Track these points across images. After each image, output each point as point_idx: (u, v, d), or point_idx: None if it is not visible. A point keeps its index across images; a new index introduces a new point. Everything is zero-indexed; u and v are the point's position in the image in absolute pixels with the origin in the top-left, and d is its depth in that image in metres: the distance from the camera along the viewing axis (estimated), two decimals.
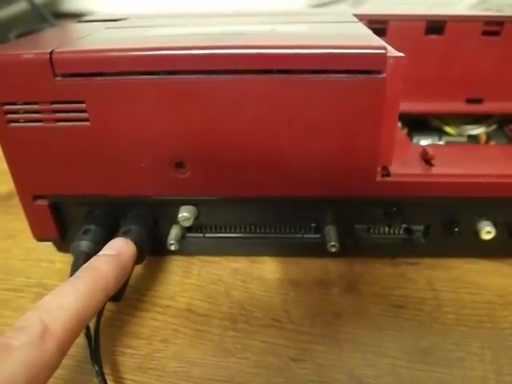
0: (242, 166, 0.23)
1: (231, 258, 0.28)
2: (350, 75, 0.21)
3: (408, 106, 0.33)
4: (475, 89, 0.33)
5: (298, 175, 0.23)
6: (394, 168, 0.24)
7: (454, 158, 0.25)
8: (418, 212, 0.26)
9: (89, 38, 0.25)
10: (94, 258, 0.21)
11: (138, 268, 0.27)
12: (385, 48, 0.20)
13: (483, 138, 0.35)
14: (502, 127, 0.35)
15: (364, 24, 0.30)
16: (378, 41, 0.21)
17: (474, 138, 0.35)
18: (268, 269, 0.28)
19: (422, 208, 0.25)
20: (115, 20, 0.31)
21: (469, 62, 0.32)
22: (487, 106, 0.34)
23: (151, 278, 0.27)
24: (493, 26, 0.31)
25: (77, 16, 0.42)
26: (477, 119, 0.36)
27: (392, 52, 0.21)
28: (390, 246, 0.27)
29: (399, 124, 0.35)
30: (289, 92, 0.21)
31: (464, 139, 0.35)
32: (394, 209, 0.25)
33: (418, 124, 0.35)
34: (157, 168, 0.23)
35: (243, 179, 0.24)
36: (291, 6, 0.63)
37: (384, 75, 0.21)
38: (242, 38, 0.23)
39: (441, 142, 0.35)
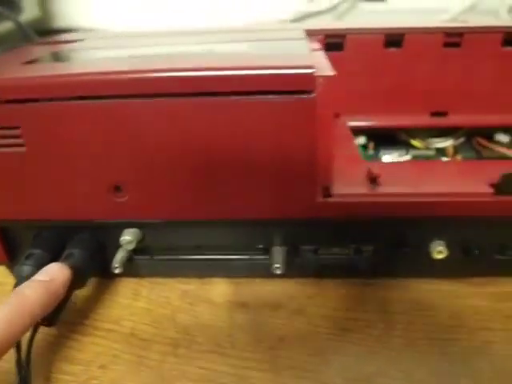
0: (179, 190, 0.23)
1: (182, 279, 0.28)
2: (279, 96, 0.20)
3: (371, 121, 0.33)
4: (439, 102, 0.33)
5: (235, 198, 0.23)
6: (337, 188, 0.23)
7: (401, 177, 0.25)
8: (366, 232, 0.25)
9: (31, 64, 0.25)
10: (23, 284, 0.21)
11: (86, 291, 0.27)
12: (313, 67, 0.20)
13: (450, 151, 0.34)
14: (470, 140, 0.34)
15: (320, 39, 0.30)
16: (309, 60, 0.21)
17: (441, 151, 0.34)
18: (217, 291, 0.27)
19: (370, 228, 0.25)
20: (71, 41, 0.31)
21: (430, 74, 0.32)
22: (452, 119, 0.33)
23: (98, 300, 0.27)
24: (453, 38, 0.30)
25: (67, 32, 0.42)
26: (444, 132, 0.35)
27: (322, 70, 0.21)
28: (341, 267, 0.26)
29: (363, 139, 0.34)
30: (219, 114, 0.21)
31: (431, 152, 0.35)
32: (340, 229, 0.24)
33: (385, 138, 0.35)
34: (95, 192, 0.23)
35: (181, 202, 0.23)
36: (274, 19, 0.62)
37: (314, 95, 0.20)
38: (173, 60, 0.23)
39: (408, 156, 0.34)
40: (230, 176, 0.22)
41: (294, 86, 0.20)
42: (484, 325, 0.25)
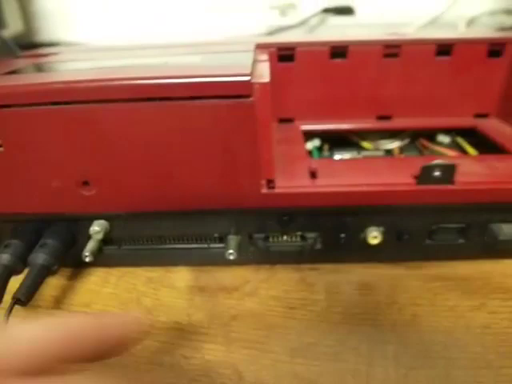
0: (139, 184, 0.26)
1: (148, 268, 0.31)
2: (222, 100, 0.24)
3: (323, 125, 0.36)
4: (383, 106, 0.36)
5: (190, 191, 0.26)
6: (281, 181, 0.27)
7: (338, 171, 0.28)
8: (309, 220, 0.28)
9: (11, 74, 0.28)
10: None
11: (61, 279, 0.30)
12: (250, 75, 0.23)
13: (397, 152, 0.37)
14: (414, 141, 0.38)
15: (273, 51, 0.34)
16: (248, 69, 0.24)
17: (389, 152, 0.38)
18: (179, 277, 0.30)
19: (312, 217, 0.28)
20: (48, 55, 0.35)
21: (373, 82, 0.35)
22: (396, 122, 0.36)
23: (71, 287, 0.30)
24: (392, 49, 0.34)
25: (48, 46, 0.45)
26: (392, 134, 0.38)
27: (259, 78, 0.24)
28: (290, 253, 0.29)
29: (317, 141, 0.38)
30: (172, 117, 0.24)
31: (381, 153, 0.38)
32: (286, 218, 0.28)
33: (338, 140, 0.38)
34: (66, 187, 0.26)
35: (142, 196, 0.26)
36: (247, 32, 0.66)
37: (252, 99, 0.23)
38: (132, 70, 0.26)
39: (359, 157, 0.38)
40: (184, 171, 0.25)
41: (234, 91, 0.23)
42: (414, 301, 0.28)
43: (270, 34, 0.69)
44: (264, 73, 0.25)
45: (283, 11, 0.71)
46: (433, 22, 0.69)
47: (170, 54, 0.30)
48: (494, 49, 0.34)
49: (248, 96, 0.23)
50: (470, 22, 0.68)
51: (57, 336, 0.17)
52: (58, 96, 0.24)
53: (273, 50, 0.34)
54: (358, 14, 0.70)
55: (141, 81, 0.23)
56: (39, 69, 0.30)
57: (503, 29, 0.63)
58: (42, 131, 0.25)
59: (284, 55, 0.34)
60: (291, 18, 0.70)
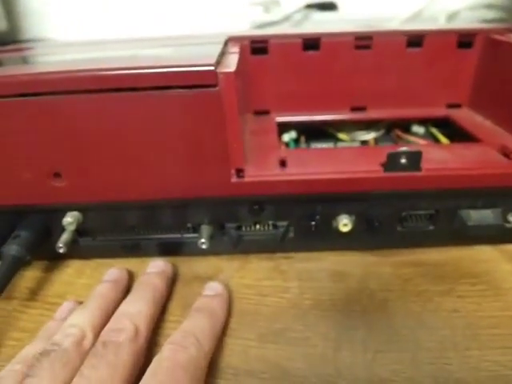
0: (110, 174, 0.26)
1: (124, 259, 0.31)
2: (189, 90, 0.24)
3: (300, 117, 0.36)
4: (357, 98, 0.37)
5: (160, 180, 0.26)
6: (250, 170, 0.27)
7: (308, 160, 0.28)
8: (280, 209, 0.28)
9: None
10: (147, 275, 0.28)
11: (37, 271, 0.30)
12: (214, 65, 0.23)
13: (372, 143, 0.38)
14: (390, 132, 0.38)
15: (246, 44, 0.34)
16: (213, 59, 0.24)
17: (365, 143, 0.38)
18: None
19: (282, 205, 0.28)
20: (23, 49, 0.35)
21: (346, 74, 0.35)
22: (370, 113, 0.37)
23: (47, 279, 0.30)
24: (363, 41, 0.34)
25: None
26: (368, 125, 0.39)
27: (225, 68, 0.24)
28: (263, 242, 0.30)
29: (294, 133, 0.38)
30: (140, 107, 0.24)
31: (357, 144, 0.38)
32: (256, 207, 0.28)
33: (315, 132, 0.39)
34: (37, 179, 0.26)
35: (113, 186, 0.27)
36: (234, 27, 0.66)
37: (217, 88, 0.24)
38: (99, 61, 0.26)
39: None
40: (153, 161, 0.26)
41: (199, 81, 0.23)
42: (384, 287, 0.28)
43: (255, 27, 0.69)
44: (231, 63, 0.26)
45: (267, 7, 0.71)
46: (415, 17, 0.69)
47: (141, 47, 0.30)
48: (464, 40, 0.35)
49: (213, 86, 0.24)
50: (451, 17, 0.68)
51: (150, 303, 0.25)
52: (26, 88, 0.24)
53: (246, 42, 0.34)
54: (341, 9, 0.71)
55: (107, 72, 0.24)
56: (11, 62, 0.30)
57: (486, 22, 0.64)
58: (11, 123, 0.25)
59: (257, 48, 0.34)
60: (275, 14, 0.71)
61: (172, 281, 0.29)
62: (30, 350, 0.23)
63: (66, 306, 0.26)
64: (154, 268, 0.28)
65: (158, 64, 0.24)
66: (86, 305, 0.25)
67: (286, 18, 0.70)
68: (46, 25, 0.70)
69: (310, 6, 0.69)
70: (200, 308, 0.25)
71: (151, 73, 0.24)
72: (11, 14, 0.70)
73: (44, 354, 0.21)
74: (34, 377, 0.20)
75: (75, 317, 0.24)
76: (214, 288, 0.27)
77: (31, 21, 0.70)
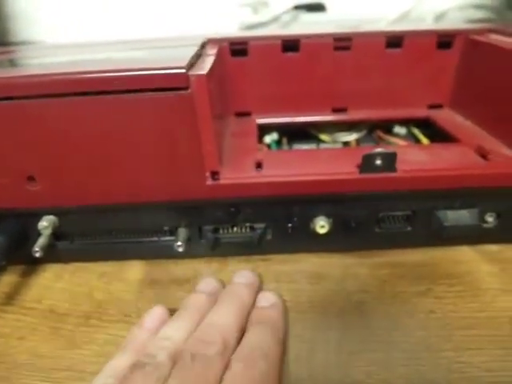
0: (84, 178, 0.26)
1: (102, 263, 0.31)
2: (161, 93, 0.24)
3: (281, 119, 0.36)
4: (338, 99, 0.37)
5: (135, 183, 0.26)
6: (226, 172, 0.27)
7: (285, 162, 0.28)
8: (257, 211, 0.28)
9: None
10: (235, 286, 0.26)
11: (14, 275, 0.30)
12: (186, 68, 0.23)
13: (353, 144, 0.38)
14: (371, 133, 0.38)
15: (225, 46, 0.34)
16: (185, 62, 0.24)
17: (347, 144, 0.38)
18: (132, 271, 0.30)
19: (259, 207, 0.28)
20: (6, 52, 0.35)
21: (327, 75, 0.35)
22: (352, 114, 0.37)
23: (24, 284, 0.30)
24: (343, 42, 0.34)
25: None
26: (350, 127, 0.39)
27: (197, 70, 0.24)
28: (240, 244, 0.30)
29: (275, 135, 0.38)
30: (112, 110, 0.24)
31: (339, 145, 0.38)
32: (233, 209, 0.28)
33: (297, 134, 0.39)
34: (12, 182, 0.26)
35: (87, 189, 0.27)
36: (222, 28, 0.66)
37: (189, 91, 0.24)
38: (72, 65, 0.26)
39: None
40: (128, 164, 0.26)
41: (171, 84, 0.23)
42: (362, 288, 0.28)
43: (243, 29, 0.69)
44: (204, 66, 0.26)
45: (255, 8, 0.71)
46: (403, 17, 0.69)
47: (116, 50, 0.30)
48: (444, 40, 0.35)
49: (185, 88, 0.24)
50: (439, 17, 0.69)
51: (238, 315, 0.23)
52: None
53: (225, 44, 0.34)
54: (330, 10, 0.71)
55: (79, 75, 0.24)
56: None
57: (471, 23, 0.64)
58: None
59: (237, 50, 0.34)
60: (263, 15, 0.71)
61: (257, 292, 0.27)
62: (121, 362, 0.22)
63: (156, 313, 0.25)
64: (242, 278, 0.27)
65: (130, 67, 0.24)
66: (180, 316, 0.24)
67: (275, 19, 0.70)
68: (35, 27, 0.70)
69: (298, 7, 0.69)
70: (259, 320, 0.24)
71: (123, 76, 0.23)
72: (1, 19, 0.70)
73: (138, 366, 0.20)
74: None
75: (170, 329, 0.23)
76: (268, 298, 0.26)
77: (20, 23, 0.70)
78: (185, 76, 0.23)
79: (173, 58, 0.26)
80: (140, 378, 0.19)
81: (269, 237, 0.30)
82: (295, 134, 0.39)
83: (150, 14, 0.69)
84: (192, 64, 0.25)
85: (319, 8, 0.70)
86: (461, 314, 0.26)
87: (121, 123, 0.25)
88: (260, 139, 0.36)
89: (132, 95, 0.24)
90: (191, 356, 0.20)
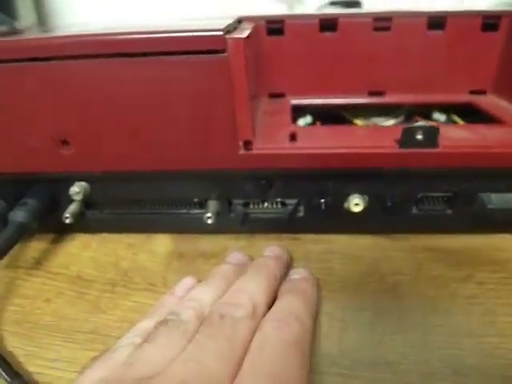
0: (117, 143, 0.26)
1: (130, 235, 0.31)
2: (197, 56, 0.23)
3: (315, 100, 0.36)
4: (375, 82, 0.36)
5: (166, 150, 0.26)
6: (259, 143, 0.26)
7: (319, 135, 0.27)
8: (289, 185, 0.27)
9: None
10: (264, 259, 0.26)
11: (43, 242, 0.30)
12: (223, 30, 0.23)
13: None
14: (409, 119, 0.37)
15: (262, 24, 0.33)
16: (221, 26, 0.24)
17: None
18: (160, 244, 0.30)
19: (291, 181, 0.27)
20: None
21: (364, 56, 0.34)
22: (389, 98, 0.36)
23: (52, 251, 0.30)
24: (382, 22, 0.33)
25: None
26: (386, 112, 0.37)
27: (235, 35, 0.24)
28: (271, 220, 0.29)
29: (309, 118, 0.37)
30: (148, 73, 0.24)
31: None
32: (264, 182, 0.27)
33: (331, 118, 0.38)
34: (45, 146, 0.26)
35: (121, 154, 0.26)
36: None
37: (225, 54, 0.23)
38: (107, 28, 0.26)
39: None
40: (161, 129, 0.25)
41: (208, 46, 0.23)
42: (396, 271, 0.27)
43: None
44: (242, 32, 0.25)
45: (291, 5, 0.71)
46: None
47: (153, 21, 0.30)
48: (489, 22, 0.33)
49: (222, 51, 0.23)
50: None
51: (265, 285, 0.22)
52: (35, 52, 0.24)
53: (261, 23, 0.33)
54: (365, 6, 0.70)
55: (116, 36, 0.24)
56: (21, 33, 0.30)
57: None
58: (20, 88, 0.25)
59: (273, 28, 0.34)
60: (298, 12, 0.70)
61: (287, 268, 0.26)
62: (148, 323, 0.21)
63: (186, 282, 0.25)
64: (271, 252, 0.27)
65: (168, 29, 0.23)
66: (207, 282, 0.24)
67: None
68: (72, 19, 0.72)
69: (334, 3, 0.69)
70: (290, 289, 0.23)
71: (161, 37, 0.23)
72: (39, 8, 0.72)
73: (162, 322, 0.20)
74: (150, 342, 0.19)
75: (196, 292, 0.23)
76: (299, 272, 0.25)
77: (59, 15, 0.73)
78: (222, 39, 0.23)
79: (210, 24, 0.26)
80: (164, 332, 0.19)
81: (300, 214, 0.29)
82: (329, 118, 0.37)
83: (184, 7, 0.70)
84: (229, 29, 0.25)
85: (355, 4, 0.69)
86: (504, 301, 0.24)
87: (157, 87, 0.24)
88: (293, 122, 0.35)
89: (169, 57, 0.24)
90: (219, 316, 0.19)
